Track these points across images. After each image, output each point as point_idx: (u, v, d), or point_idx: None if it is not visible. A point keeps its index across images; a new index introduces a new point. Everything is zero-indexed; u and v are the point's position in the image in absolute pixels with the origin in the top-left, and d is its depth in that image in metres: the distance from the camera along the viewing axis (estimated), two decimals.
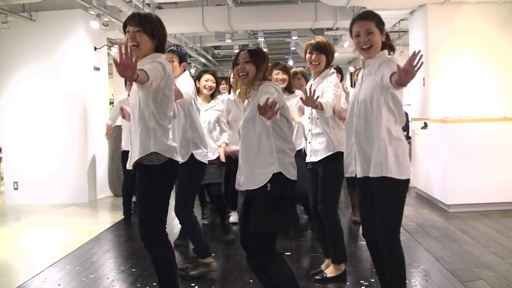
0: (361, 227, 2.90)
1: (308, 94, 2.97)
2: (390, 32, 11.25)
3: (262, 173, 2.59)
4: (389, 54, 2.73)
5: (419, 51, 2.16)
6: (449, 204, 5.60)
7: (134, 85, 2.62)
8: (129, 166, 2.79)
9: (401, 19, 7.97)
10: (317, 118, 3.43)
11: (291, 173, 2.63)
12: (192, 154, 3.64)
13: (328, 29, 9.46)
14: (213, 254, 3.86)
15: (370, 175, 2.59)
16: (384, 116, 2.58)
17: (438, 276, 3.57)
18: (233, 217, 5.33)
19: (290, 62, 15.36)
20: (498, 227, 4.85)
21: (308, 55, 3.49)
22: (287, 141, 2.66)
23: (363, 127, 2.63)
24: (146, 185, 2.72)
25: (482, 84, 6.35)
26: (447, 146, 5.59)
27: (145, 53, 2.67)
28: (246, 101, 2.77)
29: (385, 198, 2.62)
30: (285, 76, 4.47)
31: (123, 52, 2.16)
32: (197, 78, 4.64)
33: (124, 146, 5.35)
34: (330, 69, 3.62)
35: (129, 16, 2.70)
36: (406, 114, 9.67)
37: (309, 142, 3.53)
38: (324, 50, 3.44)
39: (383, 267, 2.69)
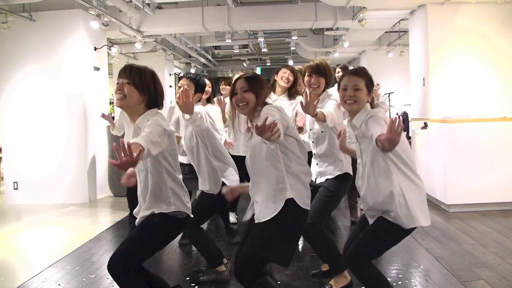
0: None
1: (309, 99, 2.91)
2: (390, 32, 11.29)
3: (275, 201, 2.47)
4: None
5: (396, 117, 2.16)
6: (449, 204, 5.60)
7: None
8: (138, 221, 2.59)
9: (401, 19, 7.97)
10: (321, 137, 3.37)
11: (304, 202, 2.51)
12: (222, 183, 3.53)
13: (328, 29, 9.46)
14: (227, 262, 3.74)
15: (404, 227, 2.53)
16: (394, 172, 2.52)
17: (438, 276, 3.58)
18: (232, 218, 5.30)
19: (290, 62, 15.35)
20: (498, 227, 4.85)
21: (307, 78, 3.43)
22: (300, 164, 2.53)
23: (374, 189, 2.57)
24: (151, 227, 2.55)
25: (482, 84, 6.34)
26: (447, 146, 5.59)
27: (133, 106, 2.52)
28: (246, 128, 2.67)
29: (385, 233, 2.59)
30: (291, 77, 4.39)
31: (122, 153, 1.99)
32: None
33: None
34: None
35: (122, 67, 2.59)
36: (406, 114, 9.74)
37: (317, 164, 3.44)
38: (323, 73, 3.40)
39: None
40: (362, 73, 2.70)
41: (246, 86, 2.58)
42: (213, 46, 14.29)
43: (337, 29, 9.09)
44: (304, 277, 3.65)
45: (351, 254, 2.60)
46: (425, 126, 6.32)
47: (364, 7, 6.83)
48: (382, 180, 2.54)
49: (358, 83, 2.64)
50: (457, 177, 5.53)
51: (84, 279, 3.76)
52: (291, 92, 4.43)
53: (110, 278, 3.77)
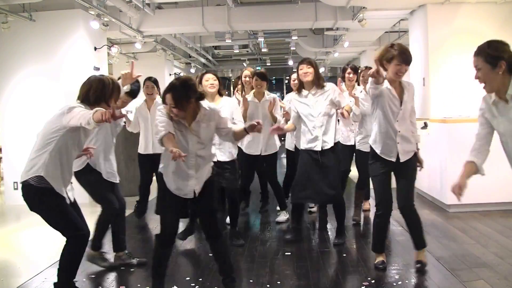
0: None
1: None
2: (390, 32, 11.26)
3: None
4: None
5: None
6: (449, 204, 5.59)
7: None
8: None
9: (401, 19, 7.97)
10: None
11: None
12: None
13: (328, 29, 9.47)
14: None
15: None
16: None
17: (438, 276, 3.58)
18: (282, 217, 5.43)
19: (290, 62, 15.39)
20: (498, 227, 4.85)
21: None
22: None
23: None
24: None
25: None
26: (447, 146, 5.59)
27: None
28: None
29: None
30: (309, 70, 4.33)
31: None
32: (199, 82, 4.44)
33: (143, 150, 5.41)
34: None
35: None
36: None
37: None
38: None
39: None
40: (478, 51, 2.56)
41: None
42: (213, 46, 14.31)
43: (337, 29, 9.10)
44: (303, 277, 3.65)
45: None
46: (425, 126, 6.32)
47: (364, 7, 6.84)
48: None
49: (477, 64, 2.52)
50: (457, 177, 5.52)
51: (84, 279, 3.76)
52: (319, 83, 4.34)
53: (110, 278, 3.79)
